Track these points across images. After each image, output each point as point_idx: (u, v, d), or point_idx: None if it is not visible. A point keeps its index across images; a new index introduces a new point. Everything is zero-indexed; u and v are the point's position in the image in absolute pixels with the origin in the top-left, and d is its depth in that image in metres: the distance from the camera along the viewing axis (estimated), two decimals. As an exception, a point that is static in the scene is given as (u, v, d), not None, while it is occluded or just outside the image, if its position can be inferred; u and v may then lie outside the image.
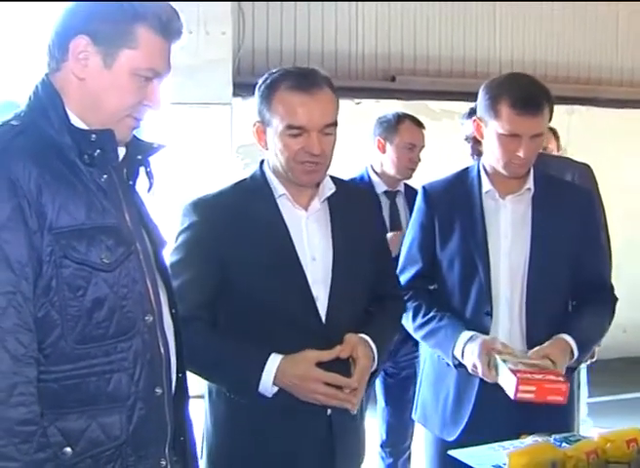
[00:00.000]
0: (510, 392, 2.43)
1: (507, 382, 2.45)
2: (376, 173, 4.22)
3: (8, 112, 1.77)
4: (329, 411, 2.31)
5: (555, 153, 4.62)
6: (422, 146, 4.26)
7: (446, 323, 2.68)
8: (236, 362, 2.24)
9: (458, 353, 2.62)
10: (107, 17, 1.72)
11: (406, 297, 2.74)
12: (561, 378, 2.47)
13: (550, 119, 2.68)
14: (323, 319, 2.29)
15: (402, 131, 4.18)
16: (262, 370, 2.20)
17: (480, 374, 2.57)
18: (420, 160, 4.23)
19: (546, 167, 2.84)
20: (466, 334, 2.61)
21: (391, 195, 4.18)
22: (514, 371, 2.43)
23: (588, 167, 4.07)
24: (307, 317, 2.28)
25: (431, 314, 2.72)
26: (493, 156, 2.70)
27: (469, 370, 2.61)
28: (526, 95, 2.60)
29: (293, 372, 2.20)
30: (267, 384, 2.21)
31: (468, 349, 2.59)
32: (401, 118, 4.22)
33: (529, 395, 2.41)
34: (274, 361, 2.21)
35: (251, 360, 2.23)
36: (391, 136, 4.17)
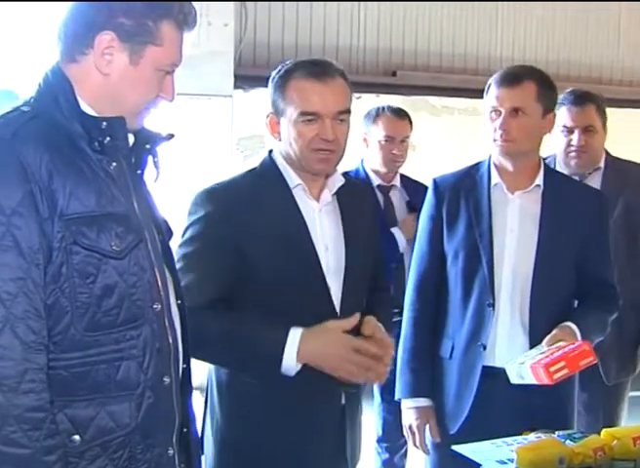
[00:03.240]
0: (546, 380, 2.41)
1: (537, 376, 2.43)
2: (369, 167, 4.19)
3: (6, 101, 1.76)
4: (343, 400, 2.31)
5: None
6: (406, 137, 4.18)
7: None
8: (254, 342, 2.17)
9: (406, 403, 2.83)
10: (134, 13, 1.70)
11: (408, 308, 2.82)
12: (578, 342, 2.49)
13: (546, 104, 2.69)
14: (337, 309, 2.29)
15: (379, 123, 4.12)
16: (284, 347, 2.14)
17: (413, 442, 2.82)
18: (405, 151, 4.17)
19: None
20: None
21: (385, 189, 4.15)
22: (536, 363, 2.43)
23: None
24: (322, 306, 2.27)
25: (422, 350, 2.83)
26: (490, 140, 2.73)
27: (404, 431, 2.85)
28: (509, 71, 2.71)
29: (317, 341, 2.15)
30: (291, 360, 2.14)
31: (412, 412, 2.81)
32: (379, 111, 4.16)
33: (563, 371, 2.41)
34: (295, 335, 2.15)
35: (270, 338, 2.16)
36: (371, 130, 4.14)
